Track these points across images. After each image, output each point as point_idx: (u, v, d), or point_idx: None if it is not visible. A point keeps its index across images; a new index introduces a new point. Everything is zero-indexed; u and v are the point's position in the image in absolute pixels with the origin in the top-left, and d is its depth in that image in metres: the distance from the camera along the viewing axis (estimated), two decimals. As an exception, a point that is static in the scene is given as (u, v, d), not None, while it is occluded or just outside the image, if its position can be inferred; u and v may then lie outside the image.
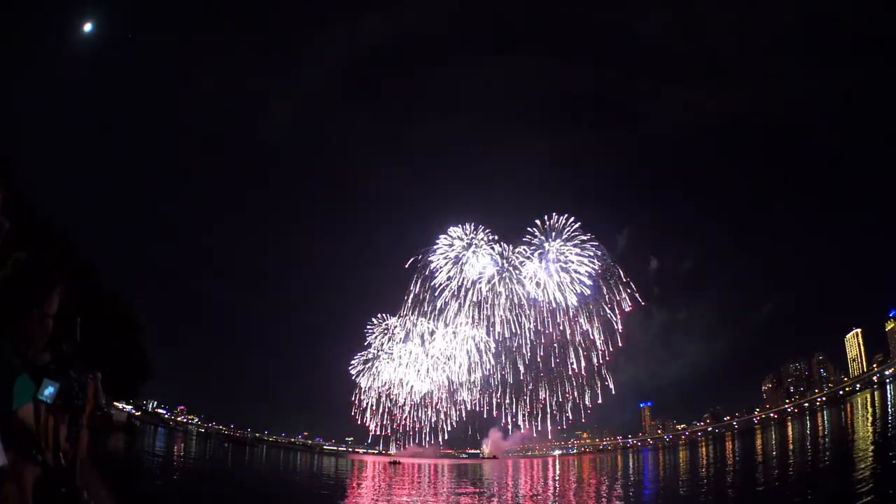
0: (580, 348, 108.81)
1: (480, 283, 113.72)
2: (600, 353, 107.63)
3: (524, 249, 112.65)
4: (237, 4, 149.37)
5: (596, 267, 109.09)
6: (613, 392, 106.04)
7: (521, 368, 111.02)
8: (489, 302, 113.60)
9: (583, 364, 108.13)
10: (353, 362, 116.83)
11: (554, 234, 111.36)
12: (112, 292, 46.02)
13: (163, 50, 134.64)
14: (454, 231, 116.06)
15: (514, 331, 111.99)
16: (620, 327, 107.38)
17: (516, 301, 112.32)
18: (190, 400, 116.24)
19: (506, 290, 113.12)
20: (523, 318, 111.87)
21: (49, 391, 3.11)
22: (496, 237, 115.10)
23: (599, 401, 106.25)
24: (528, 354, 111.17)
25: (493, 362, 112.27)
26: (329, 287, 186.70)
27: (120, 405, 75.19)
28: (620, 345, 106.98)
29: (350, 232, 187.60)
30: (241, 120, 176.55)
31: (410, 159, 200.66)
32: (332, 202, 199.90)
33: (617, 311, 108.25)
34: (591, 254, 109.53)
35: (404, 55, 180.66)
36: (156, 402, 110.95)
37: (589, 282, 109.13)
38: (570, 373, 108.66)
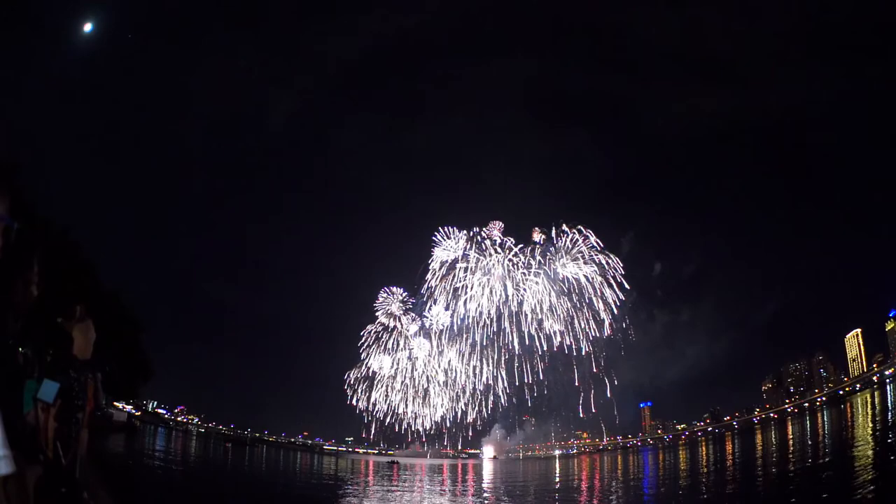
0: (589, 384, 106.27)
1: (484, 317, 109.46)
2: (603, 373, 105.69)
3: (528, 265, 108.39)
4: (236, 4, 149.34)
5: (605, 283, 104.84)
6: (609, 395, 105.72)
7: (527, 394, 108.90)
8: (493, 332, 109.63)
9: (592, 399, 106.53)
10: (349, 377, 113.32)
11: (561, 243, 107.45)
12: (112, 292, 46.09)
13: (163, 49, 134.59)
14: (453, 246, 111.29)
15: (521, 365, 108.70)
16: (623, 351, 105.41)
17: (524, 339, 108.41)
18: (190, 400, 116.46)
19: (511, 324, 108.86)
20: (533, 344, 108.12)
21: (49, 391, 3.10)
22: (499, 247, 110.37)
23: (597, 410, 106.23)
24: (533, 379, 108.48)
25: (504, 394, 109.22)
26: (330, 287, 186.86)
27: (120, 405, 75.23)
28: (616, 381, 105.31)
29: (351, 232, 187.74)
30: (242, 121, 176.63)
31: (410, 160, 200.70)
32: (333, 203, 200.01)
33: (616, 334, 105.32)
34: (606, 267, 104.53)
35: (404, 56, 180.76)
36: (156, 402, 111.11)
37: (597, 299, 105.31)
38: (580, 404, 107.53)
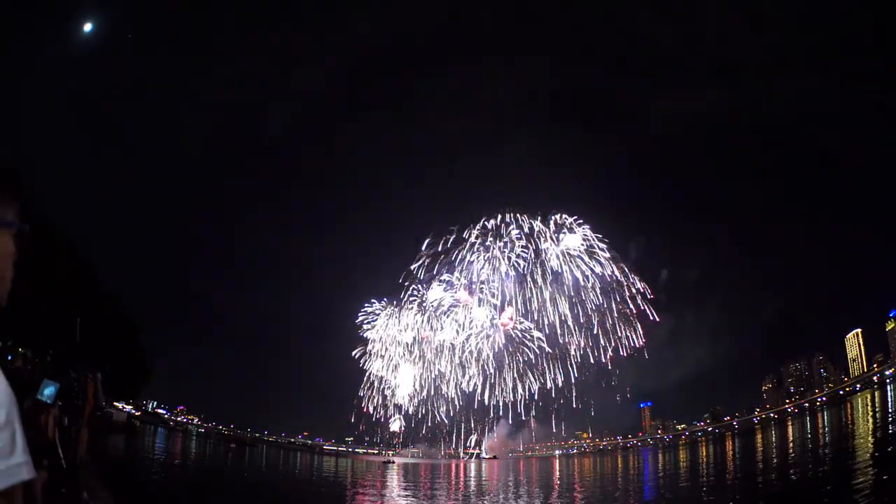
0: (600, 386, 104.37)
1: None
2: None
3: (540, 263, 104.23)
4: (237, 6, 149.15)
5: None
6: (609, 396, 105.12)
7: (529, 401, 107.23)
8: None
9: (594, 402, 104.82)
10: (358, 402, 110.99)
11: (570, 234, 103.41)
12: (111, 292, 46.14)
13: (162, 50, 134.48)
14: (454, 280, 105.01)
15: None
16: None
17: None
18: (190, 400, 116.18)
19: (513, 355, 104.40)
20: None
21: (49, 391, 3.11)
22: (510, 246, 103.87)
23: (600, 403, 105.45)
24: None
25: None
26: (331, 287, 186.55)
27: (120, 405, 75.20)
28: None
29: (352, 231, 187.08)
30: (243, 121, 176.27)
31: (411, 160, 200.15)
32: (334, 202, 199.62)
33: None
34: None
35: (403, 56, 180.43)
36: (156, 402, 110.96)
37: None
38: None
